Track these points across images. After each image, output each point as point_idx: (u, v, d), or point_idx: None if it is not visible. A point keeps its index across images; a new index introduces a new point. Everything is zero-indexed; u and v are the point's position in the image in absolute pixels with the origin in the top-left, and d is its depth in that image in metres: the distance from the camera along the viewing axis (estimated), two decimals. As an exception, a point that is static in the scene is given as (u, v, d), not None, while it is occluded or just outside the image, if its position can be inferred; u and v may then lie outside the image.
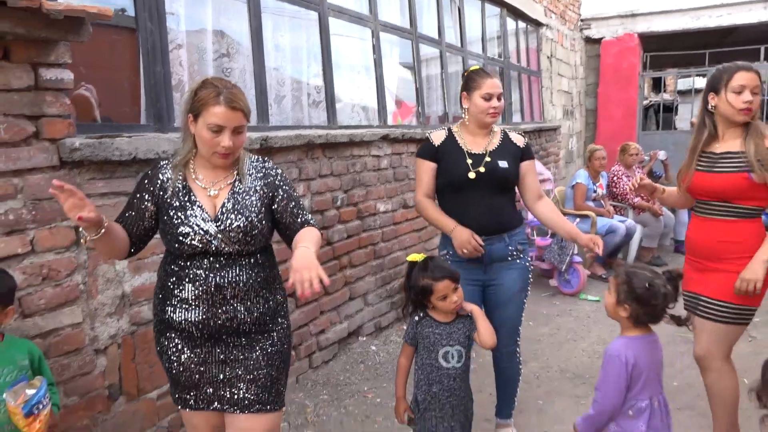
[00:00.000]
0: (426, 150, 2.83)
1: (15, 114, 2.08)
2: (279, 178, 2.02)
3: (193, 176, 1.95)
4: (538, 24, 8.26)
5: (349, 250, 4.09)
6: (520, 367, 3.00)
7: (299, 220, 2.01)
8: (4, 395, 1.84)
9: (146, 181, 1.96)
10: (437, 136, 2.83)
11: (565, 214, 6.18)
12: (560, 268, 5.54)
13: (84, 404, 2.35)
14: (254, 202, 1.94)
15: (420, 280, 2.31)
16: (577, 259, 5.55)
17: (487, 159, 2.71)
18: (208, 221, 1.88)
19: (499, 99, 2.71)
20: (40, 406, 1.88)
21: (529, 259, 2.85)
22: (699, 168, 2.61)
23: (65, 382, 2.27)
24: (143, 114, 2.82)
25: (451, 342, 2.34)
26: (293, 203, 2.01)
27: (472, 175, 2.68)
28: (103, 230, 1.74)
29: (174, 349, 1.97)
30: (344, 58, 4.40)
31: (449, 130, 2.85)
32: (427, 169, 2.80)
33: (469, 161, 2.71)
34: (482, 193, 2.70)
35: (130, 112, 2.88)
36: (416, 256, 2.40)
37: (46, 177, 2.19)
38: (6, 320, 1.95)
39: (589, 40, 10.69)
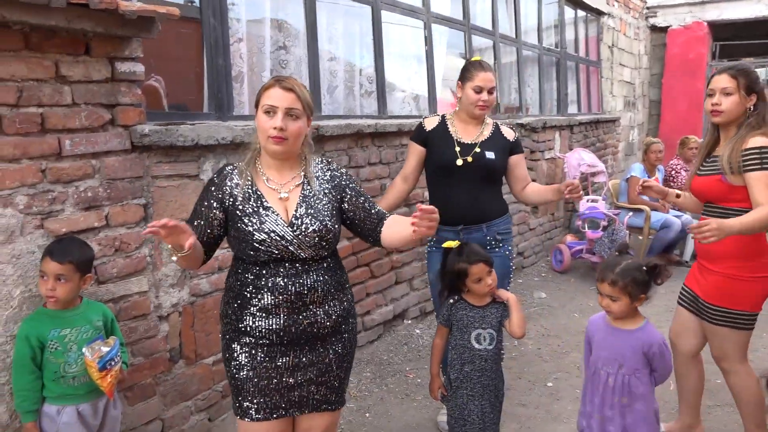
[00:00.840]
0: (417, 133, 3.02)
1: (94, 103, 2.33)
2: (345, 177, 2.05)
3: (262, 176, 1.95)
4: (599, 13, 8.12)
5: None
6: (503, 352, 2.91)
7: (373, 212, 2.04)
8: (83, 350, 2.11)
9: (213, 188, 1.95)
10: (430, 122, 2.99)
11: (618, 207, 6.13)
12: (610, 261, 5.51)
13: (148, 364, 2.61)
14: (326, 206, 1.95)
15: (455, 264, 2.44)
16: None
17: (477, 149, 2.85)
18: (283, 226, 1.87)
19: (490, 92, 2.82)
20: (113, 362, 2.14)
21: (510, 248, 2.97)
22: (698, 172, 2.68)
23: (132, 344, 2.54)
24: (206, 103, 3.05)
25: (483, 325, 2.45)
26: (363, 198, 2.04)
27: (459, 162, 2.82)
28: (188, 244, 1.71)
29: (246, 356, 1.93)
30: (396, 49, 4.53)
31: (443, 117, 2.99)
32: (413, 152, 3.01)
33: (458, 149, 2.86)
34: (467, 181, 2.84)
35: (194, 101, 3.12)
36: (451, 243, 2.52)
37: (119, 159, 2.44)
38: (84, 286, 2.22)
39: (654, 29, 10.39)
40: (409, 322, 4.50)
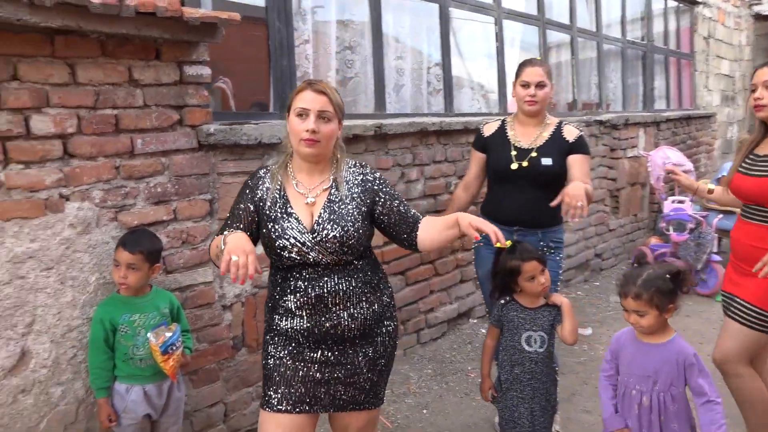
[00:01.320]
0: (476, 140, 2.98)
1: (164, 104, 2.50)
2: (378, 182, 2.00)
3: (293, 180, 1.95)
4: (692, 2, 7.65)
5: (462, 235, 4.22)
6: (555, 367, 2.77)
7: (409, 215, 1.99)
8: (148, 335, 2.27)
9: (248, 191, 1.97)
10: (489, 128, 2.94)
11: (708, 209, 5.77)
12: (696, 267, 5.21)
13: (212, 350, 2.77)
14: (351, 211, 1.91)
15: (508, 261, 2.41)
16: (716, 257, 5.18)
17: (533, 154, 2.75)
18: (304, 233, 1.86)
19: (539, 87, 2.72)
20: (174, 347, 2.29)
21: (561, 257, 2.88)
22: (740, 170, 2.52)
23: (198, 330, 2.70)
24: (272, 103, 3.19)
25: (534, 327, 2.41)
26: (397, 202, 1.99)
27: (514, 166, 2.76)
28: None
29: (274, 347, 1.96)
30: (466, 46, 4.51)
31: (503, 121, 2.91)
32: (474, 159, 2.97)
33: (514, 153, 2.79)
34: (523, 186, 2.77)
35: (261, 102, 3.26)
36: (502, 244, 2.49)
37: (187, 157, 2.60)
38: (153, 275, 2.39)
39: (759, 17, 9.64)
40: (475, 321, 4.46)
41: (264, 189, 1.94)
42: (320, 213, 1.89)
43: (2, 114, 2.07)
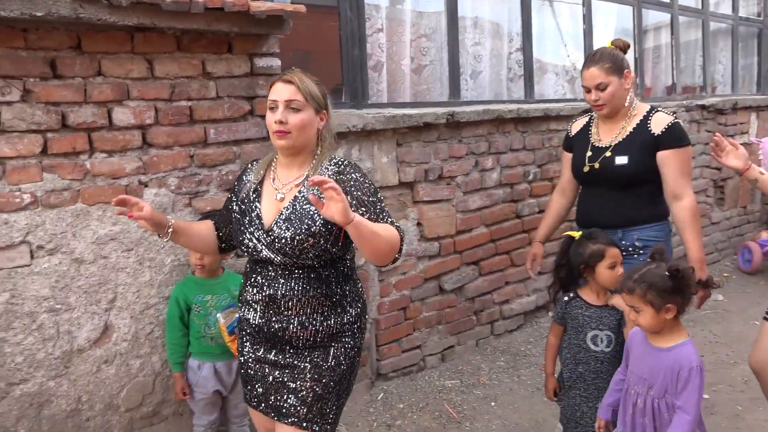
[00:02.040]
0: (564, 140, 2.80)
1: (236, 96, 2.61)
2: (352, 183, 1.79)
3: (272, 176, 1.90)
4: (821, -28, 6.87)
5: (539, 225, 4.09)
6: None
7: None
8: (218, 315, 2.40)
9: (236, 182, 2.01)
10: (576, 126, 2.74)
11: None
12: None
13: (281, 332, 2.88)
14: (314, 212, 1.77)
15: (588, 246, 2.29)
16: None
17: (607, 154, 2.51)
18: (260, 230, 1.82)
19: (600, 89, 2.43)
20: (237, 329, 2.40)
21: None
22: None
23: (267, 313, 2.81)
24: (343, 92, 3.23)
25: (600, 326, 2.30)
26: (364, 208, 1.74)
27: (585, 169, 2.56)
28: (170, 231, 1.87)
29: (241, 341, 1.98)
30: (550, 30, 4.33)
31: (590, 117, 2.70)
32: (565, 161, 2.77)
33: (589, 154, 2.57)
34: (600, 186, 2.55)
35: (333, 91, 3.32)
36: (574, 233, 2.39)
37: (257, 146, 2.70)
38: (226, 258, 2.52)
39: None
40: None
41: (245, 181, 1.95)
42: (282, 211, 1.81)
43: (88, 107, 2.25)
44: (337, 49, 3.24)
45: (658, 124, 2.45)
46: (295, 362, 1.84)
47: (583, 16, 4.44)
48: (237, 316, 2.38)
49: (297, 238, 1.74)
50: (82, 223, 2.27)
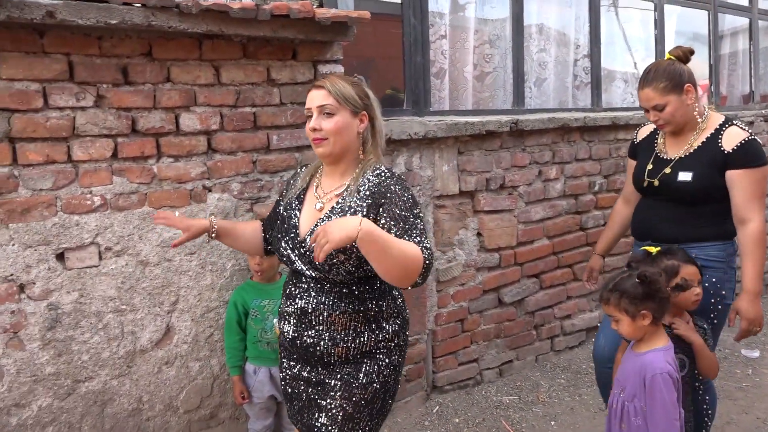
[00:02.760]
0: (630, 147, 2.63)
1: (298, 102, 2.62)
2: (388, 195, 1.68)
3: (316, 183, 1.85)
4: None
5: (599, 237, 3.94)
6: (707, 409, 2.42)
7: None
8: (274, 320, 2.40)
9: (285, 187, 1.98)
10: (642, 132, 2.57)
11: None
12: None
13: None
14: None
15: (663, 262, 2.17)
16: None
17: (667, 170, 2.33)
18: (296, 241, 1.77)
19: (658, 110, 2.26)
20: None
21: (716, 281, 2.31)
22: None
23: (324, 320, 2.80)
24: (405, 99, 3.20)
25: (674, 348, 2.17)
26: (396, 226, 1.63)
27: (644, 184, 2.40)
28: (213, 234, 1.91)
29: (280, 356, 1.92)
30: (619, 35, 4.18)
31: None
32: (630, 168, 2.60)
33: (650, 167, 2.39)
34: (660, 201, 2.38)
35: (395, 98, 3.30)
36: (652, 248, 2.28)
37: (318, 153, 2.70)
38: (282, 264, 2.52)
39: None
40: (618, 332, 4.14)
41: (292, 185, 1.92)
42: (318, 222, 1.74)
43: (156, 112, 2.30)
44: (400, 55, 3.21)
45: (730, 140, 2.24)
46: (326, 379, 1.78)
47: (655, 21, 4.26)
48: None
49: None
50: (148, 226, 2.32)
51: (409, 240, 1.58)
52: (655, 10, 4.24)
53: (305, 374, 1.81)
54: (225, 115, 2.45)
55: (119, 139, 2.25)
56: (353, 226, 1.44)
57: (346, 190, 1.75)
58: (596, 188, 3.83)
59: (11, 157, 2.06)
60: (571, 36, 4.00)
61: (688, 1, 4.50)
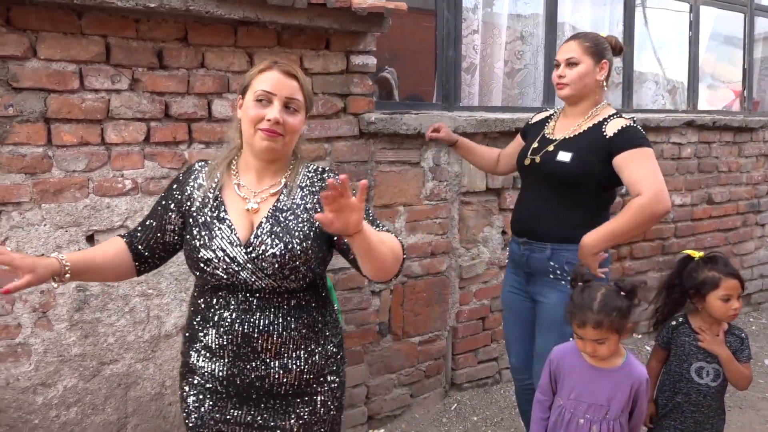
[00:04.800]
0: (523, 126, 2.56)
1: (330, 93, 2.60)
2: None
3: (235, 181, 1.56)
4: None
5: (631, 241, 3.89)
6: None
7: None
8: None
9: (174, 186, 1.60)
10: (540, 115, 2.48)
11: None
12: None
13: (359, 333, 2.85)
14: (301, 225, 1.49)
15: (704, 271, 2.12)
16: None
17: (550, 148, 2.22)
18: (236, 245, 1.46)
19: (570, 65, 2.16)
20: None
21: None
22: None
23: (346, 312, 2.79)
24: (435, 94, 3.17)
25: (708, 358, 2.13)
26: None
27: (527, 161, 2.28)
28: (66, 275, 1.42)
29: (194, 398, 1.56)
30: (653, 36, 4.12)
31: (554, 111, 2.42)
32: (514, 143, 2.55)
33: (535, 145, 2.29)
34: (539, 187, 2.25)
35: (426, 92, 3.27)
36: (695, 252, 2.23)
37: (348, 144, 2.69)
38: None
39: None
40: (639, 336, 4.09)
41: (195, 185, 1.56)
42: (261, 223, 1.49)
43: (190, 98, 2.30)
44: (428, 49, 3.18)
45: (612, 127, 2.15)
46: (277, 421, 1.52)
47: (690, 23, 4.19)
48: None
49: (289, 254, 1.45)
50: (178, 211, 2.31)
51: (380, 230, 1.47)
52: (690, 11, 4.17)
53: (246, 418, 1.53)
54: (257, 103, 2.43)
55: (152, 124, 2.24)
56: (359, 220, 1.26)
57: (284, 187, 1.53)
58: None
59: (46, 138, 2.07)
60: (604, 35, 3.94)
61: (724, 3, 4.41)
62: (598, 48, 2.20)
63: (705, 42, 4.38)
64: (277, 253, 1.44)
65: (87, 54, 2.09)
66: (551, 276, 2.20)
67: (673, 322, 2.23)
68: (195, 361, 1.55)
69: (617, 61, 3.95)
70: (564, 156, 2.17)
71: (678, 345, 2.19)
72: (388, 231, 1.50)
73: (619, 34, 3.90)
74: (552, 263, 2.19)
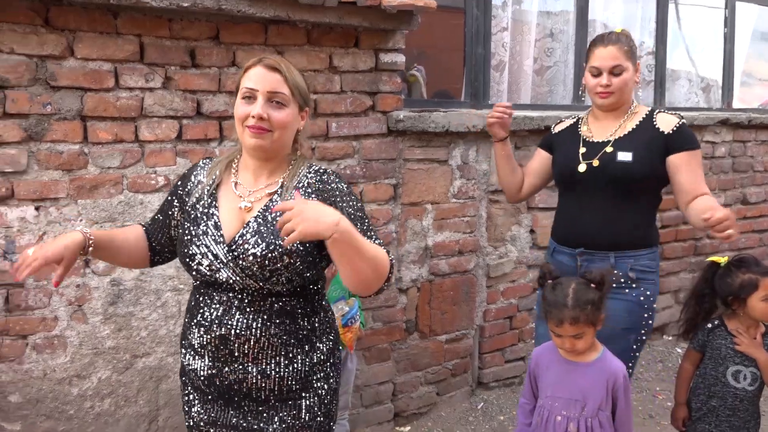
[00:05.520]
0: (543, 138, 2.41)
1: (358, 90, 2.61)
2: (338, 192, 1.49)
3: (233, 179, 1.53)
4: None
5: (663, 241, 3.83)
6: None
7: None
8: (332, 306, 2.42)
9: (179, 183, 1.61)
10: (561, 125, 2.34)
11: None
12: None
13: (385, 330, 2.86)
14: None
15: (737, 276, 2.08)
16: None
17: (608, 149, 2.09)
18: (219, 243, 1.43)
19: (614, 74, 2.05)
20: (352, 321, 2.41)
21: (650, 294, 2.10)
22: None
23: (373, 310, 2.80)
24: (464, 91, 3.16)
25: (746, 362, 2.09)
26: (358, 225, 1.41)
27: (582, 167, 2.11)
28: (91, 248, 1.44)
29: (187, 399, 1.56)
30: (687, 33, 4.04)
31: (578, 118, 2.30)
32: (537, 156, 2.35)
33: (582, 150, 2.14)
34: (595, 193, 2.11)
35: (455, 90, 3.26)
36: (720, 258, 2.19)
37: (376, 142, 2.69)
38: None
39: None
40: (669, 338, 4.03)
41: (196, 181, 1.56)
42: (250, 221, 1.45)
43: (221, 96, 2.33)
44: (458, 47, 3.17)
45: (666, 123, 2.09)
46: (261, 425, 1.48)
47: (725, 19, 4.09)
48: (348, 308, 2.41)
49: (270, 255, 1.39)
50: (209, 207, 2.35)
51: (372, 242, 1.40)
52: (725, 7, 4.08)
53: (229, 419, 1.50)
54: (286, 101, 2.46)
55: (184, 121, 2.28)
56: (330, 221, 1.23)
57: (280, 188, 1.49)
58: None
59: (82, 135, 2.12)
60: (636, 32, 3.87)
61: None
62: (633, 49, 2.13)
63: (743, 39, 4.28)
64: (258, 253, 1.40)
65: (122, 53, 2.13)
66: (614, 285, 2.03)
67: (709, 325, 2.19)
68: (185, 361, 1.53)
69: (650, 59, 3.89)
70: (625, 156, 2.07)
71: (714, 348, 2.15)
72: (380, 245, 1.41)
73: (651, 31, 3.84)
74: (616, 271, 2.08)
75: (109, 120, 2.15)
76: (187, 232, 1.49)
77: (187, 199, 1.55)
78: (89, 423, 2.22)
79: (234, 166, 1.56)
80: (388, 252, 1.40)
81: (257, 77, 1.45)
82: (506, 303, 3.26)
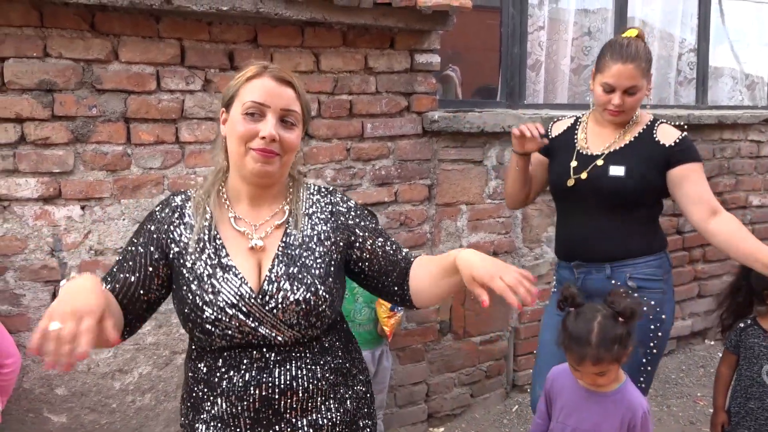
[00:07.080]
0: None
1: (394, 91, 2.62)
2: (353, 213, 1.36)
3: (229, 213, 1.29)
4: None
5: (704, 243, 3.73)
6: None
7: (399, 257, 1.33)
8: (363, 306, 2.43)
9: (153, 228, 1.29)
10: (559, 126, 2.20)
11: None
12: None
13: (419, 331, 2.86)
14: (318, 260, 1.27)
15: None
16: None
17: (599, 162, 1.99)
18: (249, 297, 1.21)
19: (629, 93, 1.92)
20: (398, 309, 2.43)
21: (656, 303, 1.97)
22: None
23: (408, 310, 2.81)
24: (499, 91, 3.14)
25: None
26: (382, 240, 1.34)
27: (570, 182, 2.02)
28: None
29: None
30: (731, 30, 3.93)
31: (576, 119, 2.18)
32: (535, 160, 2.18)
33: (574, 164, 2.03)
34: (585, 206, 2.03)
35: (490, 90, 3.24)
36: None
37: (411, 142, 2.70)
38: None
39: None
40: (711, 343, 3.92)
41: (182, 226, 1.28)
42: (273, 263, 1.24)
43: (258, 98, 2.36)
44: (494, 47, 3.15)
45: (667, 135, 1.98)
46: None
47: (772, 14, 3.98)
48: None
49: (312, 299, 1.22)
50: (246, 207, 2.39)
51: (402, 251, 1.35)
52: (772, 2, 3.97)
53: None
54: (322, 102, 2.48)
55: (223, 123, 2.32)
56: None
57: (289, 215, 1.30)
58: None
59: (126, 137, 2.18)
60: (677, 29, 3.79)
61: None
62: (650, 63, 1.99)
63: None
64: (301, 299, 1.21)
65: (164, 56, 2.19)
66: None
67: (741, 324, 2.17)
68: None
69: (691, 56, 3.80)
70: (617, 170, 1.97)
71: (747, 347, 2.12)
72: (399, 248, 1.36)
73: (693, 27, 3.75)
74: (614, 282, 2.02)
75: (151, 122, 2.21)
76: (199, 293, 1.21)
77: (176, 250, 1.26)
78: (131, 417, 2.28)
79: (223, 195, 1.31)
80: (409, 254, 1.36)
81: (267, 91, 1.23)
82: (541, 305, 3.21)
